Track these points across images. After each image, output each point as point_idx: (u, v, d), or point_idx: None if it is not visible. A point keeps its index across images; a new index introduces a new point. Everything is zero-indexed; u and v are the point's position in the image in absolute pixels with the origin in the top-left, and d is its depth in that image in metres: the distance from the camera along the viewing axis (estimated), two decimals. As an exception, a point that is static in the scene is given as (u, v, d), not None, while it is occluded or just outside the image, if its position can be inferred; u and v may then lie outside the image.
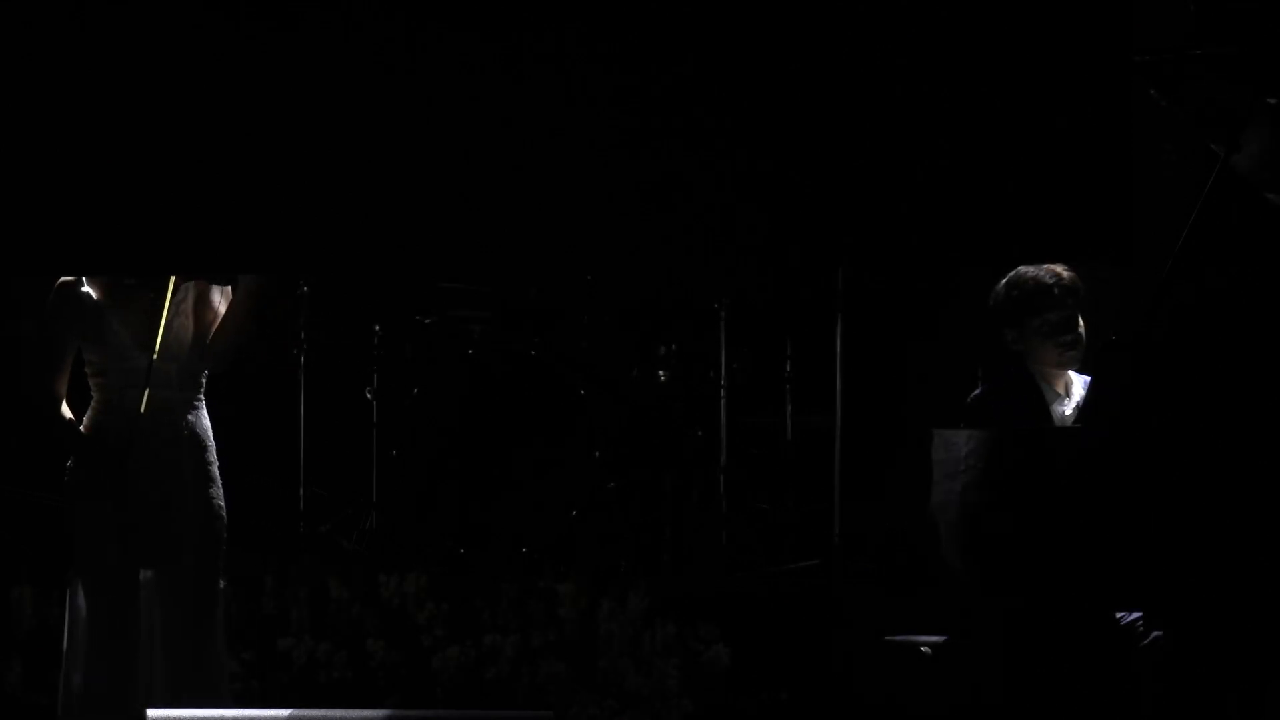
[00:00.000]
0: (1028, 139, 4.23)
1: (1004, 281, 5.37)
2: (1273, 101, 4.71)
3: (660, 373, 7.74)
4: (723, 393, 7.67)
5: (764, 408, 7.89)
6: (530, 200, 4.30)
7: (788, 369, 7.81)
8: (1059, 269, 5.33)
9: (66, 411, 5.35)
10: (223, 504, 5.40)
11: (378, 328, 7.76)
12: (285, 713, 4.86)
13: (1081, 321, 5.32)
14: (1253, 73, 4.72)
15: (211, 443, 5.42)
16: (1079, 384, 5.33)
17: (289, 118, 4.29)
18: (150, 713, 4.80)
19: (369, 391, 7.75)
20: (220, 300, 5.40)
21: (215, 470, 5.41)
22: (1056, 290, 5.29)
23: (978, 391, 5.38)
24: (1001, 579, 4.52)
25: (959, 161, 4.24)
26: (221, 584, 5.42)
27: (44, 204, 4.32)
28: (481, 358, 7.59)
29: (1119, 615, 4.87)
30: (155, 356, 5.24)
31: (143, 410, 5.24)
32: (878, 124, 4.23)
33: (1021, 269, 5.35)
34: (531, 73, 4.23)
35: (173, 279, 5.25)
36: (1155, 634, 4.83)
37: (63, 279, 5.34)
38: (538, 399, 7.50)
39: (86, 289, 5.32)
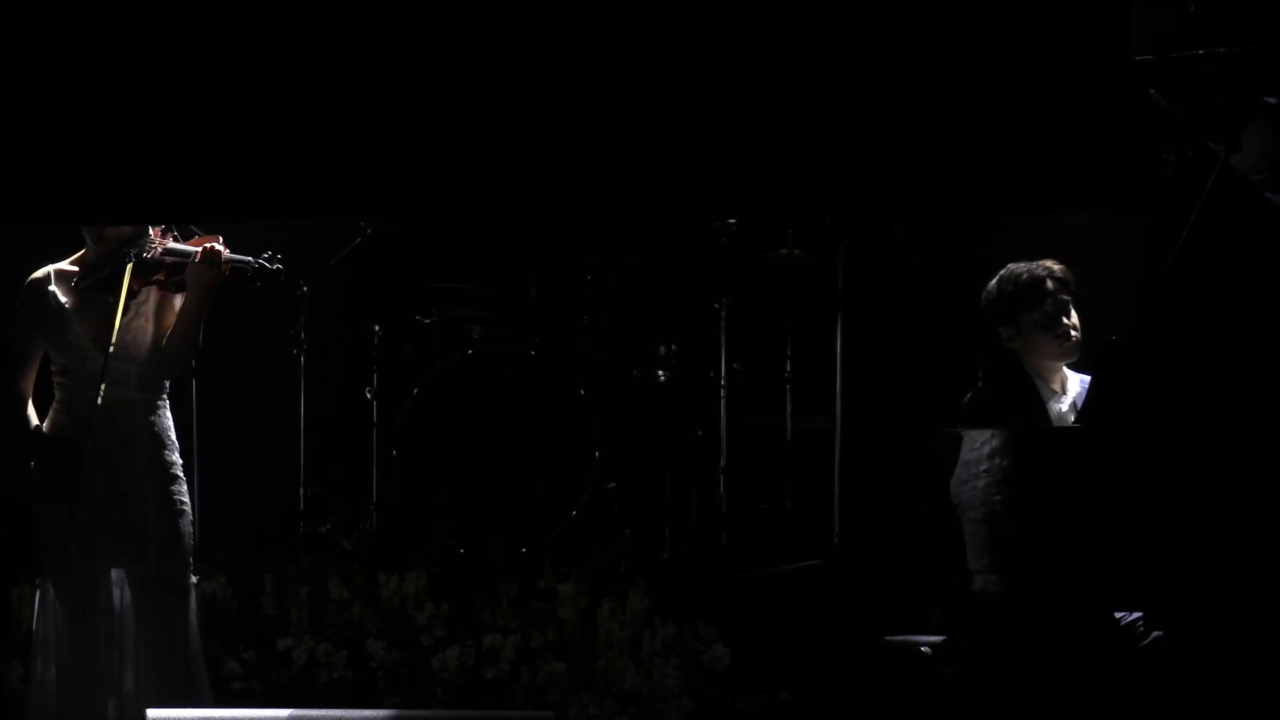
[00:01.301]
0: (1026, 118, 4.22)
1: (996, 279, 5.39)
2: (1273, 101, 4.72)
3: (660, 373, 7.73)
4: (723, 393, 7.67)
5: (764, 408, 7.88)
6: (530, 200, 4.30)
7: (788, 369, 7.81)
8: (1050, 263, 5.35)
9: (31, 412, 5.40)
10: (187, 501, 5.44)
11: (378, 328, 7.76)
12: (285, 713, 4.87)
13: (1075, 314, 5.34)
14: (1253, 73, 4.72)
15: (174, 441, 5.47)
16: (1075, 381, 5.34)
17: (288, 120, 4.30)
18: (150, 713, 4.81)
19: (369, 391, 7.75)
20: (179, 303, 5.45)
21: (179, 469, 5.45)
22: (1049, 282, 5.31)
23: (975, 391, 5.39)
24: (1025, 578, 4.52)
25: (958, 161, 4.24)
26: (194, 579, 5.45)
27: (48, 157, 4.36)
28: (481, 358, 7.59)
29: (1119, 615, 4.87)
30: (110, 356, 5.28)
31: (96, 410, 5.27)
32: (878, 123, 4.22)
33: (1012, 265, 5.37)
34: (531, 73, 4.23)
35: (127, 282, 5.31)
36: (1155, 634, 4.83)
37: (31, 277, 5.44)
38: (538, 399, 7.50)
39: (53, 288, 5.38)
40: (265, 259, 5.53)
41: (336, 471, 7.81)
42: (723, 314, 7.66)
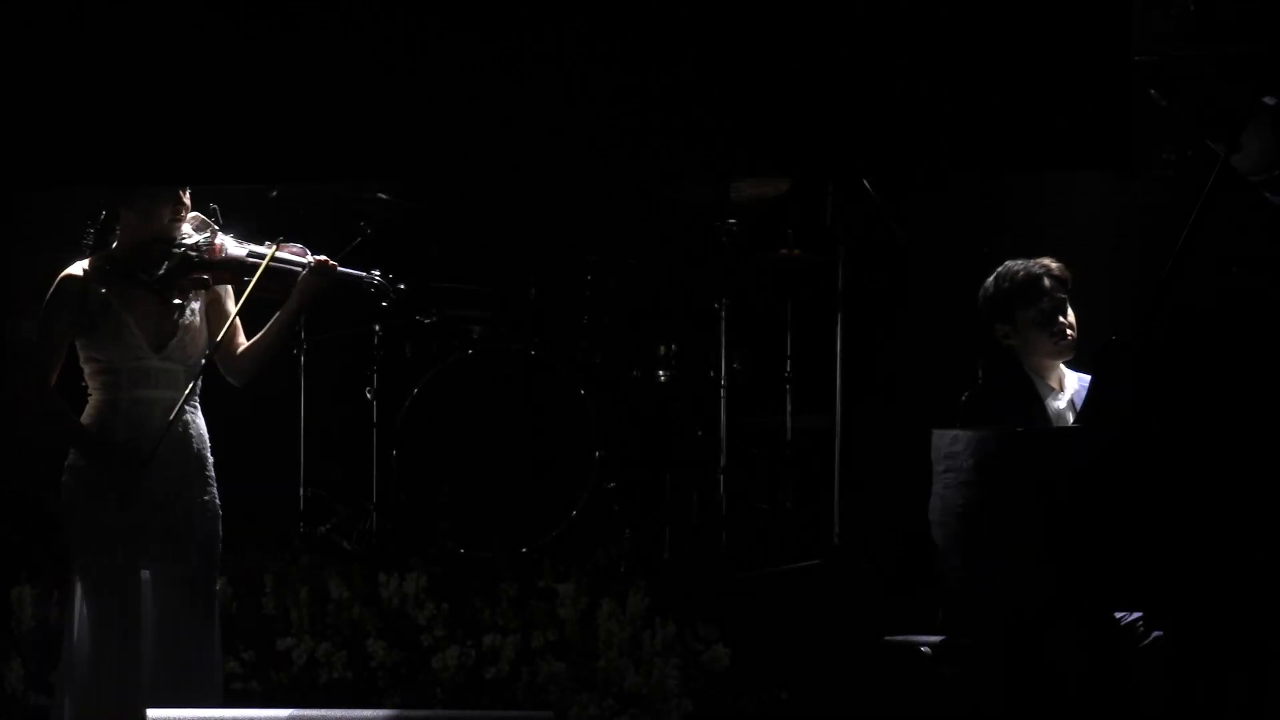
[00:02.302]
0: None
1: (993, 277, 5.40)
2: (1272, 101, 4.72)
3: (660, 373, 7.73)
4: (723, 393, 7.66)
5: (764, 408, 7.88)
6: (530, 200, 4.31)
7: (788, 369, 7.81)
8: (1047, 260, 5.36)
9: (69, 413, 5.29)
10: (219, 503, 5.40)
11: (378, 328, 7.76)
12: (285, 713, 4.87)
13: (1071, 312, 5.34)
14: (1253, 73, 4.72)
15: (208, 443, 5.41)
16: (1072, 379, 5.35)
17: (288, 120, 4.30)
18: (150, 713, 4.80)
19: (369, 391, 7.75)
20: (232, 306, 5.39)
21: (212, 470, 5.40)
22: (1046, 280, 5.32)
23: (972, 389, 5.39)
24: (996, 579, 4.52)
25: (958, 160, 4.24)
26: (219, 583, 5.41)
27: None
28: (481, 358, 7.59)
29: (1119, 615, 4.87)
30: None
31: (173, 415, 5.22)
32: (877, 123, 4.23)
33: (1009, 263, 5.39)
34: (531, 73, 4.23)
35: (249, 282, 5.27)
36: (1155, 634, 4.83)
37: (67, 274, 5.28)
38: (538, 399, 7.49)
39: (94, 285, 5.25)
40: (386, 279, 5.55)
41: (336, 471, 7.81)
42: (723, 314, 7.65)
